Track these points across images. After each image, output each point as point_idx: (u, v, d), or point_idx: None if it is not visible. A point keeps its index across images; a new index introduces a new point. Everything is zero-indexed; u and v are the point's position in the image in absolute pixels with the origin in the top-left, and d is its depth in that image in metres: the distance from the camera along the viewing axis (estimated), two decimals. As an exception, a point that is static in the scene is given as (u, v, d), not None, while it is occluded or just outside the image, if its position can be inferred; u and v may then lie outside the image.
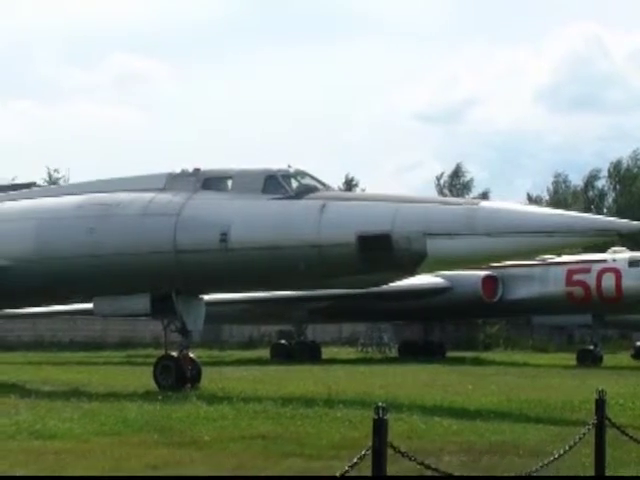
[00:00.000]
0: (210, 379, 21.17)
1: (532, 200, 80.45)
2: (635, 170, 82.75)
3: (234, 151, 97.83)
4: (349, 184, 77.76)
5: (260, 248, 19.14)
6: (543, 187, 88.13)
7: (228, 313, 38.68)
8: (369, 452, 6.88)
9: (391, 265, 18.56)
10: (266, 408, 15.37)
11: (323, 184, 20.12)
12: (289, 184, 19.67)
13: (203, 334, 40.16)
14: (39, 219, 21.36)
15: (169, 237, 19.70)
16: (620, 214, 54.74)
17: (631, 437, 10.37)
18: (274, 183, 19.64)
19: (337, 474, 6.85)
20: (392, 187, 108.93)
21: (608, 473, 9.72)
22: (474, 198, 60.87)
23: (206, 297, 21.45)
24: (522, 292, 38.55)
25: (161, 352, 21.63)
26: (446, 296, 39.62)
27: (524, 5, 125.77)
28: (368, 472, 6.92)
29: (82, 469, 10.07)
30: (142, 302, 20.25)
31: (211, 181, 20.46)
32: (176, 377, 19.94)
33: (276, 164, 20.23)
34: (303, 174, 20.04)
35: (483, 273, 38.94)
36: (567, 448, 9.07)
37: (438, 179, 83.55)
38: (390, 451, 6.97)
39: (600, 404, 9.65)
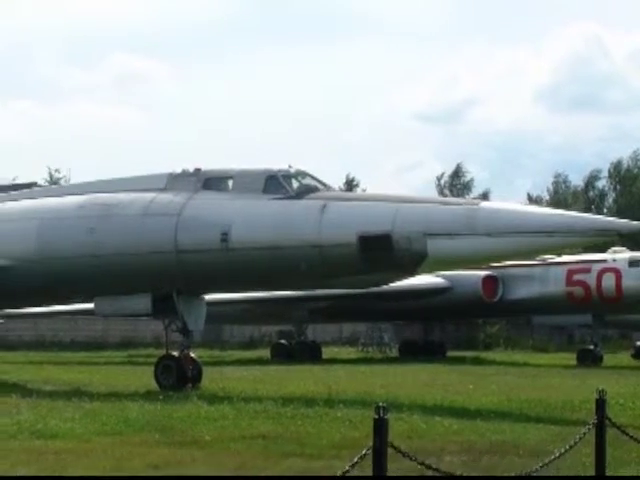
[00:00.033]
0: (211, 379, 21.19)
1: (532, 200, 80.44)
2: (635, 170, 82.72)
3: (234, 151, 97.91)
4: (350, 184, 77.75)
5: (261, 248, 19.16)
6: (543, 187, 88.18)
7: (229, 313, 38.71)
8: (370, 452, 6.90)
9: (391, 265, 18.58)
10: (267, 408, 15.38)
11: (324, 184, 20.14)
12: (290, 184, 19.69)
13: (204, 334, 40.19)
14: (40, 219, 21.38)
15: (170, 237, 19.72)
16: (620, 214, 54.73)
17: (631, 437, 10.38)
18: (275, 183, 19.66)
19: (338, 474, 6.87)
20: (392, 187, 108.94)
21: (608, 473, 9.74)
22: (474, 198, 60.87)
23: (207, 297, 21.48)
24: (522, 292, 38.56)
25: (162, 352, 21.66)
26: (446, 296, 39.63)
27: (524, 5, 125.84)
28: (369, 472, 6.94)
29: (83, 469, 10.08)
30: (143, 302, 20.28)
31: (212, 181, 20.48)
32: (177, 377, 19.97)
33: (277, 164, 20.27)
34: (304, 174, 20.07)
35: (483, 273, 38.95)
36: (567, 448, 9.09)
37: (438, 179, 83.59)
38: (391, 451, 6.99)
39: (600, 404, 9.67)
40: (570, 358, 38.25)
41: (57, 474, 9.83)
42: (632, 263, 36.25)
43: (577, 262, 37.77)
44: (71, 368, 29.14)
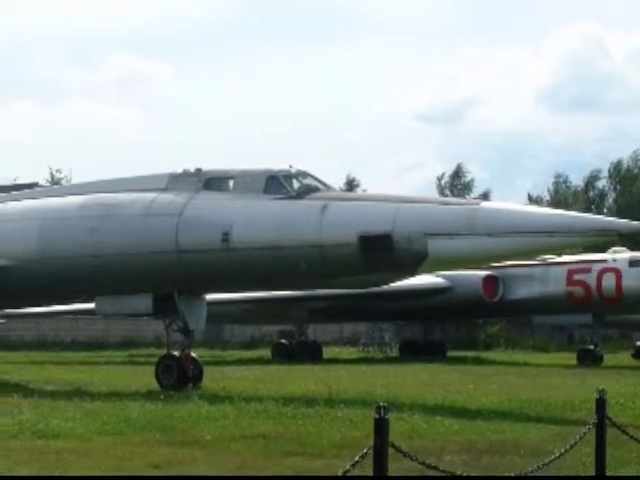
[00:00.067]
0: (212, 379, 21.21)
1: (533, 200, 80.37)
2: (635, 170, 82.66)
3: (235, 151, 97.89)
4: (350, 184, 77.73)
5: (262, 248, 19.19)
6: (544, 187, 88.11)
7: (229, 313, 38.75)
8: (370, 451, 6.91)
9: (392, 265, 18.61)
10: (267, 408, 15.40)
11: (324, 184, 20.16)
12: (290, 184, 19.71)
13: (205, 334, 40.16)
14: (42, 219, 21.40)
15: (171, 237, 19.75)
16: (620, 214, 54.70)
17: (631, 436, 10.40)
18: (276, 183, 19.69)
19: (338, 473, 6.89)
20: (393, 187, 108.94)
21: (608, 472, 9.75)
22: (475, 198, 60.86)
23: (208, 297, 21.51)
24: (523, 292, 38.58)
25: (163, 352, 21.69)
26: (447, 296, 39.65)
27: (524, 5, 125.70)
28: (369, 471, 6.96)
29: (84, 468, 10.10)
30: (144, 302, 20.30)
31: (213, 181, 20.50)
32: (178, 376, 20.00)
33: (277, 164, 20.30)
34: (304, 174, 20.09)
35: (484, 273, 38.96)
36: (568, 447, 9.11)
37: (439, 179, 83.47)
38: (391, 450, 7.01)
39: (600, 403, 9.68)
40: (570, 358, 38.26)
41: (58, 474, 9.84)
42: (632, 263, 36.26)
43: (577, 262, 37.80)
44: (72, 368, 29.17)
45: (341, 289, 27.84)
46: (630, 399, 17.57)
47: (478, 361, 37.77)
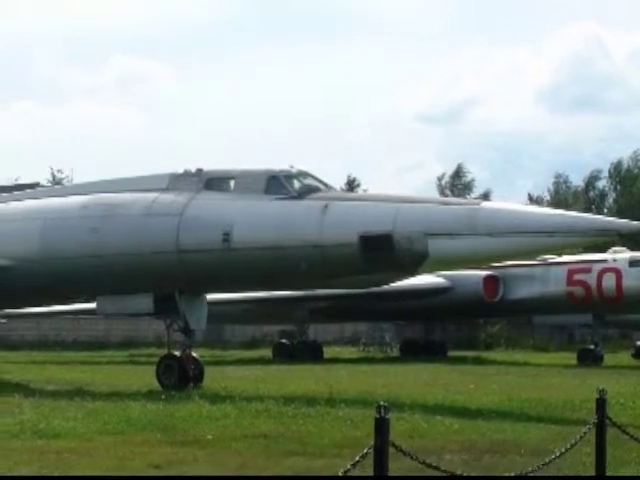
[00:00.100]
0: (212, 378, 21.22)
1: (533, 200, 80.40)
2: (636, 171, 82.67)
3: (236, 151, 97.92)
4: (351, 184, 77.71)
5: (262, 248, 19.21)
6: (544, 187, 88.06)
7: (230, 313, 38.76)
8: (371, 451, 6.93)
9: (393, 265, 18.63)
10: (268, 407, 15.42)
11: (325, 184, 20.19)
12: (291, 184, 19.73)
13: (206, 334, 40.22)
14: (44, 219, 21.42)
15: (172, 237, 19.76)
16: (620, 214, 54.70)
17: (632, 436, 10.41)
18: (276, 183, 19.70)
19: (339, 473, 6.90)
20: (394, 187, 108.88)
21: (609, 472, 9.76)
22: (475, 198, 60.84)
23: (208, 297, 21.53)
24: (523, 292, 38.59)
25: (164, 351, 21.69)
26: (447, 296, 39.66)
27: (524, 5, 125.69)
28: (370, 471, 6.98)
29: (85, 468, 10.11)
30: (145, 302, 20.33)
31: (214, 181, 20.52)
32: (179, 376, 20.01)
33: (278, 164, 20.34)
34: (305, 174, 20.11)
35: (484, 273, 38.97)
36: (568, 447, 9.12)
37: (439, 179, 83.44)
38: (392, 450, 7.02)
39: (601, 403, 9.70)
40: (571, 358, 38.26)
41: (59, 473, 9.86)
42: (632, 263, 36.28)
43: (577, 262, 37.82)
44: (73, 368, 29.20)
45: (342, 289, 27.86)
46: (630, 399, 17.58)
47: (479, 361, 37.78)
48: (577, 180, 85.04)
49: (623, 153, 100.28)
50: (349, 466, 6.86)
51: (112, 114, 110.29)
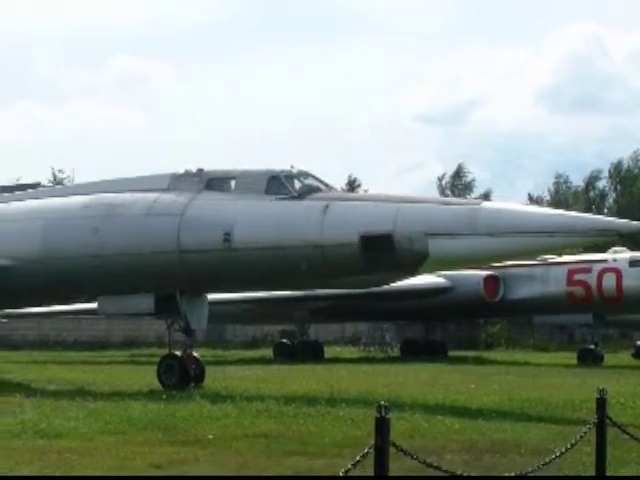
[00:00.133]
0: (214, 378, 21.24)
1: (533, 200, 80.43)
2: (636, 171, 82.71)
3: (236, 151, 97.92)
4: (352, 185, 77.73)
5: (263, 248, 19.22)
6: (544, 188, 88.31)
7: (231, 313, 38.78)
8: (371, 450, 6.94)
9: (393, 265, 18.64)
10: (269, 407, 15.42)
11: (326, 185, 20.20)
12: (292, 185, 19.74)
13: (207, 333, 40.22)
14: (46, 219, 21.44)
15: (173, 237, 19.79)
16: (621, 214, 54.72)
17: (632, 436, 10.43)
18: (277, 184, 19.72)
19: (340, 473, 6.92)
20: (394, 188, 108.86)
21: (609, 472, 9.78)
22: (476, 198, 60.84)
23: (209, 297, 21.54)
24: (523, 292, 38.61)
25: (165, 351, 21.73)
26: (448, 296, 39.67)
27: (524, 5, 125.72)
28: (370, 471, 6.99)
29: (86, 468, 10.13)
30: (146, 301, 20.34)
31: (214, 181, 20.53)
32: (180, 376, 20.03)
33: (279, 164, 20.34)
34: (306, 175, 20.13)
35: (484, 273, 38.99)
36: (568, 447, 9.14)
37: (440, 180, 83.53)
38: (392, 449, 7.04)
39: (601, 403, 9.72)
40: (571, 357, 38.29)
41: (60, 473, 9.87)
42: (632, 263, 36.29)
43: (578, 262, 37.84)
44: (74, 367, 29.21)
45: (342, 289, 27.87)
46: (630, 399, 17.59)
47: (479, 361, 37.79)
48: (577, 180, 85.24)
49: (623, 153, 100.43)
50: (350, 466, 6.88)
51: (112, 114, 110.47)
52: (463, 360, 37.04)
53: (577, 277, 37.12)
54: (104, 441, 11.97)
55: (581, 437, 9.37)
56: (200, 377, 20.47)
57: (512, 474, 8.87)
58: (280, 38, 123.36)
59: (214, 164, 21.28)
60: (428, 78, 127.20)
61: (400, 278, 21.05)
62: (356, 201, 20.07)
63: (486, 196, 75.67)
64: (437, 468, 7.90)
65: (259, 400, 16.38)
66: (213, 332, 47.96)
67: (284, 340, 43.28)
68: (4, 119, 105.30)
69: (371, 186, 75.65)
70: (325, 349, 41.82)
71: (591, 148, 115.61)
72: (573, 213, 20.11)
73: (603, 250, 37.03)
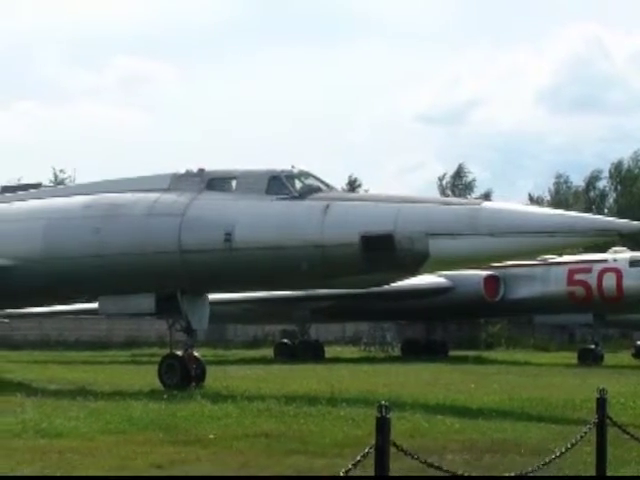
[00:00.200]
0: (214, 378, 21.26)
1: (534, 200, 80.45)
2: (636, 171, 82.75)
3: (237, 151, 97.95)
4: (352, 185, 77.75)
5: (264, 248, 19.24)
6: (544, 188, 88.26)
7: (232, 312, 38.79)
8: (372, 450, 6.95)
9: (394, 265, 18.64)
10: (270, 406, 15.43)
11: (326, 185, 20.22)
12: (293, 185, 19.76)
13: (208, 333, 40.23)
14: (48, 219, 21.46)
15: (174, 237, 19.80)
16: (621, 214, 54.71)
17: (632, 436, 10.44)
18: (278, 184, 19.73)
19: (340, 472, 6.93)
20: (395, 188, 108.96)
21: (609, 471, 9.79)
22: (476, 198, 60.86)
23: (210, 297, 21.56)
24: (524, 292, 38.64)
25: (166, 351, 21.76)
26: (448, 296, 39.70)
27: (525, 6, 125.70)
28: (371, 470, 7.00)
29: (87, 468, 10.14)
30: (147, 301, 20.36)
31: (215, 181, 20.55)
32: (181, 376, 20.04)
33: (280, 164, 20.35)
34: (307, 175, 20.14)
35: (485, 273, 39.02)
36: (569, 446, 9.15)
37: (440, 180, 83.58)
38: (393, 449, 7.05)
39: (601, 403, 9.73)
40: (571, 357, 38.33)
41: (61, 473, 9.88)
42: (633, 263, 36.33)
43: (578, 262, 37.87)
44: (76, 367, 29.22)
45: (343, 289, 27.91)
46: (631, 398, 17.60)
47: (479, 360, 37.82)
48: (578, 180, 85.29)
49: (623, 153, 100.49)
50: (350, 465, 6.88)
51: (115, 115, 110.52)
52: (464, 360, 37.05)
53: (577, 277, 37.15)
54: (105, 441, 11.99)
55: (581, 437, 9.38)
56: (201, 377, 20.48)
57: (512, 474, 8.88)
58: (281, 39, 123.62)
59: (215, 164, 21.33)
60: (428, 78, 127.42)
61: (401, 278, 21.07)
62: (357, 201, 20.07)
63: (486, 196, 75.68)
64: (438, 468, 7.91)
65: (260, 400, 16.40)
66: (214, 332, 47.97)
67: (285, 340, 43.33)
68: (6, 119, 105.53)
69: (372, 186, 75.78)
70: (326, 349, 41.86)
71: (591, 148, 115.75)
72: (573, 213, 20.12)
73: (603, 250, 37.06)
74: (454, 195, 75.60)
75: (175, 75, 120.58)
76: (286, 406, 15.46)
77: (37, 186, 24.96)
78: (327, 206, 19.00)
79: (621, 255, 37.07)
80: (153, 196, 20.57)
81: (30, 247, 21.24)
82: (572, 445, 9.20)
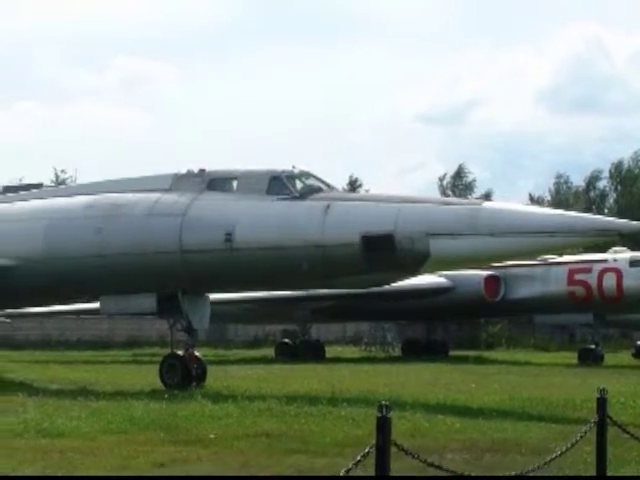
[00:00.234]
0: (215, 378, 21.27)
1: (534, 200, 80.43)
2: (636, 171, 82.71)
3: (238, 152, 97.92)
4: (353, 185, 77.74)
5: (265, 248, 19.25)
6: (545, 188, 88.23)
7: (233, 312, 38.81)
8: (373, 450, 6.96)
9: (394, 265, 18.66)
10: (270, 406, 15.45)
11: (327, 185, 20.24)
12: (293, 185, 19.78)
13: (208, 333, 40.22)
14: (49, 219, 21.48)
15: (175, 237, 19.83)
16: (621, 214, 54.75)
17: (632, 435, 10.44)
18: (278, 184, 19.75)
19: (341, 472, 6.95)
20: (395, 188, 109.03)
21: (609, 471, 9.79)
22: (477, 198, 60.87)
23: (211, 296, 21.57)
24: (524, 292, 38.64)
25: (167, 351, 21.78)
26: (449, 296, 39.71)
27: (525, 7, 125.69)
28: (372, 470, 7.01)
29: (89, 467, 10.16)
30: (148, 301, 20.38)
31: (216, 182, 20.57)
32: (182, 376, 20.07)
33: (280, 165, 20.37)
34: (307, 175, 20.16)
35: (485, 273, 39.02)
36: (569, 446, 9.16)
37: (441, 180, 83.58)
38: (393, 449, 7.06)
39: (601, 402, 9.74)
40: (571, 357, 38.33)
41: (63, 473, 9.89)
42: (633, 263, 36.33)
43: (578, 262, 37.88)
44: (77, 367, 29.23)
45: (343, 289, 27.93)
46: (631, 398, 17.61)
47: (480, 360, 37.83)
48: (578, 180, 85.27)
49: (624, 153, 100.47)
50: (351, 465, 6.89)
51: (115, 115, 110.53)
52: (464, 360, 37.07)
53: (578, 277, 37.15)
54: (106, 440, 12.01)
55: (582, 436, 9.39)
56: (202, 377, 20.51)
57: (513, 473, 8.89)
58: (282, 39, 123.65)
59: (216, 164, 21.35)
60: (429, 78, 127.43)
61: (401, 278, 21.08)
62: (357, 201, 20.08)
63: (487, 196, 75.67)
64: (438, 467, 7.92)
65: (261, 399, 16.42)
66: (215, 332, 47.98)
67: (286, 340, 43.33)
68: (6, 119, 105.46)
69: (372, 186, 75.75)
70: (326, 349, 41.88)
71: (591, 148, 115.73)
72: (573, 213, 20.12)
73: (603, 250, 37.06)
74: (454, 195, 75.56)
75: (175, 75, 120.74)
76: (287, 406, 15.48)
77: (39, 186, 24.98)
78: (328, 206, 19.02)
79: (621, 255, 37.08)
80: (154, 196, 20.59)
81: (32, 247, 21.26)
82: (572, 445, 9.21)
